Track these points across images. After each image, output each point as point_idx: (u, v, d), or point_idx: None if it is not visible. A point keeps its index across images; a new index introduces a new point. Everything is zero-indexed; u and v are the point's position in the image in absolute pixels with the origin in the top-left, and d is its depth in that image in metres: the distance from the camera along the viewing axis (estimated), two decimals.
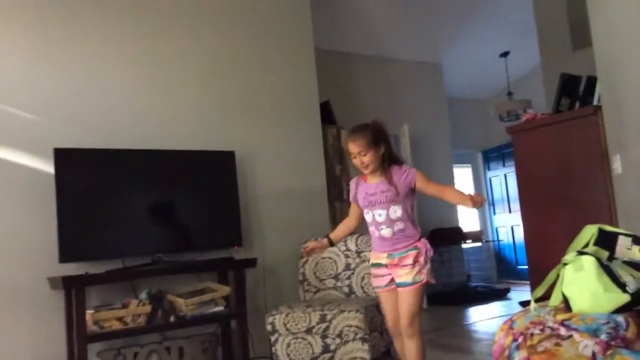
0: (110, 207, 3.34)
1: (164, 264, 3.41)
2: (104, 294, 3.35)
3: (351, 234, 2.70)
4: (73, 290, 3.05)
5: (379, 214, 2.51)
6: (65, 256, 3.14)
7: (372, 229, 2.57)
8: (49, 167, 3.27)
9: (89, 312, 3.08)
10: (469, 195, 2.39)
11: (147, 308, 3.23)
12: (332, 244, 2.74)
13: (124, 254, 3.37)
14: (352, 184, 2.66)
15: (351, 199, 2.68)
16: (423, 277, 2.50)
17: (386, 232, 2.52)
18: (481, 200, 2.39)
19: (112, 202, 3.36)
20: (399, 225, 2.51)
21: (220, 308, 3.45)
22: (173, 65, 3.88)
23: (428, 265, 2.53)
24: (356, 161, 2.52)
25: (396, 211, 2.50)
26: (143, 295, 3.32)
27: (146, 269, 3.33)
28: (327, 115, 5.00)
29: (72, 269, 3.20)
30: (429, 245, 2.56)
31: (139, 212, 3.43)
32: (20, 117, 3.32)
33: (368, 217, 2.57)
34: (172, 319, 3.31)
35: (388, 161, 2.53)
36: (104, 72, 3.63)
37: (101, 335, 3.10)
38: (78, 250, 3.20)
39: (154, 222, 3.48)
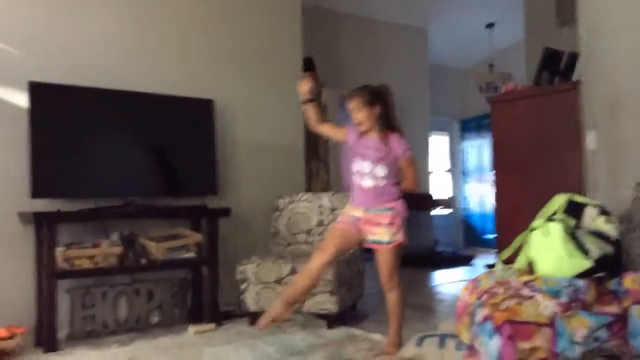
0: (84, 146, 3.29)
1: (137, 207, 3.40)
2: (75, 233, 3.33)
3: (316, 121, 2.77)
4: (44, 226, 3.03)
5: (365, 167, 2.63)
6: (36, 192, 3.10)
7: (355, 177, 2.68)
8: (21, 101, 3.19)
9: (59, 249, 3.06)
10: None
11: (118, 249, 3.23)
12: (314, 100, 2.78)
13: (97, 194, 3.34)
14: (359, 130, 2.68)
15: (347, 129, 2.72)
16: (400, 238, 2.62)
17: (368, 183, 2.63)
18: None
19: (87, 141, 3.30)
20: (381, 182, 2.62)
21: (191, 254, 3.48)
22: (158, 8, 3.79)
23: (402, 227, 2.64)
24: (352, 118, 2.65)
25: (381, 171, 2.62)
26: (114, 237, 3.32)
27: (119, 210, 3.32)
28: (309, 71, 4.95)
29: (43, 205, 3.16)
30: (404, 207, 2.66)
31: (114, 154, 3.39)
32: None
33: (355, 166, 2.67)
34: (143, 261, 3.32)
35: (385, 125, 2.62)
36: (87, 9, 3.52)
37: (71, 272, 3.10)
38: (50, 187, 3.16)
39: (129, 165, 3.44)
